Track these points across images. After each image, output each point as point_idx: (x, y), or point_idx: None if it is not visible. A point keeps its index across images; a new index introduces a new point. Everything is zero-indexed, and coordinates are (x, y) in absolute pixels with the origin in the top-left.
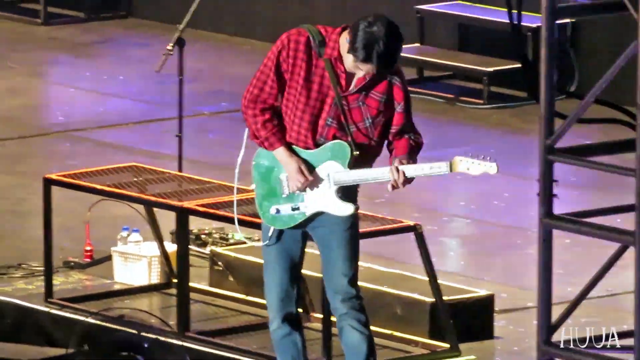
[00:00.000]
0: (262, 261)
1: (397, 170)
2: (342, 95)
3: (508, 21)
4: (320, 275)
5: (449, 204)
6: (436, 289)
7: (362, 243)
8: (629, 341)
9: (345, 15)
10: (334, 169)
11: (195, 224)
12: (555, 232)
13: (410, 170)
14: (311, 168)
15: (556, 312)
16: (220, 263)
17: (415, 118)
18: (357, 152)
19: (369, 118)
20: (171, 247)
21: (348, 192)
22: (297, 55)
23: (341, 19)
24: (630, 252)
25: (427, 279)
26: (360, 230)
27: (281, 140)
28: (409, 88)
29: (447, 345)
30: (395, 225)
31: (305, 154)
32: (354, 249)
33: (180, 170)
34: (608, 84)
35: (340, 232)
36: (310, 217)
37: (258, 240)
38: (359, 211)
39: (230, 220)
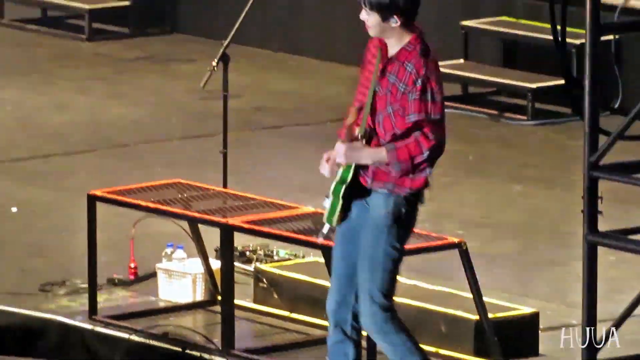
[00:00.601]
0: (306, 278)
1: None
2: (376, 81)
3: (552, 38)
4: None
5: (492, 220)
6: (481, 306)
7: (407, 259)
8: None
9: None
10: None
11: (240, 241)
12: (600, 249)
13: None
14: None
15: (601, 329)
16: (264, 280)
17: (459, 134)
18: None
19: (389, 105)
20: (216, 264)
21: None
22: None
23: None
24: None
25: (471, 295)
26: (405, 246)
27: None
28: (452, 104)
29: None
30: (439, 242)
31: None
32: (378, 259)
33: (225, 186)
34: None
35: (366, 237)
36: (356, 217)
37: (303, 257)
38: None
39: (275, 237)
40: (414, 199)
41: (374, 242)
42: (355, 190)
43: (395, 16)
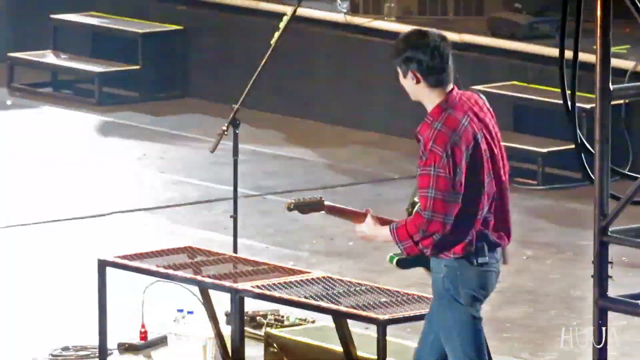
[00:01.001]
0: (317, 343)
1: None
2: None
3: (562, 102)
4: None
5: (503, 285)
6: None
7: (415, 324)
8: None
9: (401, 97)
10: None
11: (250, 306)
12: (611, 314)
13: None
14: None
15: None
16: (275, 345)
17: None
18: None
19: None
20: (226, 329)
21: None
22: None
23: (397, 101)
24: None
25: None
26: (402, 314)
27: None
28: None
29: None
30: None
31: None
32: (448, 328)
33: (235, 251)
34: None
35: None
36: None
37: (313, 322)
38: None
39: (285, 302)
40: (466, 260)
41: (439, 309)
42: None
43: (410, 72)
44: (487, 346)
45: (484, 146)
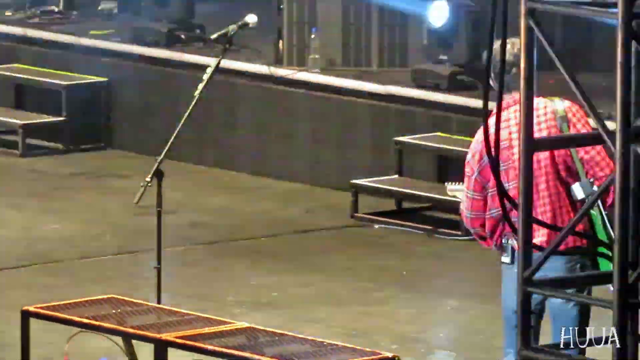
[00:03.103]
0: None
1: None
2: None
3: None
4: None
5: (427, 335)
6: None
7: None
8: None
9: (326, 148)
10: None
11: (174, 356)
12: None
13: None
14: None
15: None
16: None
17: (394, 249)
18: None
19: None
20: None
21: None
22: None
23: (321, 152)
24: None
25: None
26: None
27: None
28: (386, 219)
29: None
30: (373, 358)
31: None
32: None
33: (159, 302)
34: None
35: None
36: None
37: None
38: None
39: (209, 352)
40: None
41: None
42: None
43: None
44: None
45: None
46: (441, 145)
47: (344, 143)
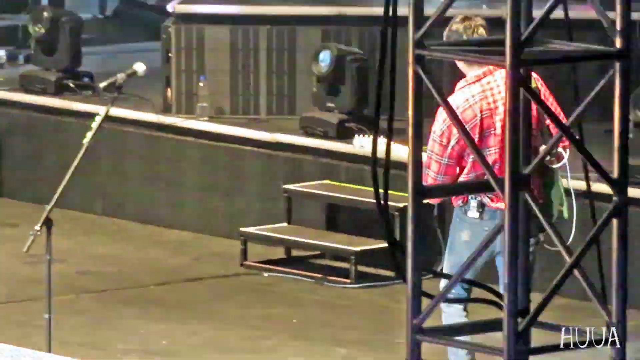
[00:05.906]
0: None
1: None
2: None
3: (375, 201)
4: None
5: None
6: None
7: None
8: None
9: (214, 196)
10: None
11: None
12: None
13: None
14: None
15: None
16: None
17: (283, 297)
18: None
19: None
20: None
21: None
22: None
23: (210, 200)
24: None
25: None
26: None
27: None
28: (275, 267)
29: None
30: None
31: None
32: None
33: (49, 351)
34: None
35: None
36: None
37: None
38: None
39: None
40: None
41: None
42: None
43: None
44: None
45: None
46: (330, 193)
47: (232, 191)
